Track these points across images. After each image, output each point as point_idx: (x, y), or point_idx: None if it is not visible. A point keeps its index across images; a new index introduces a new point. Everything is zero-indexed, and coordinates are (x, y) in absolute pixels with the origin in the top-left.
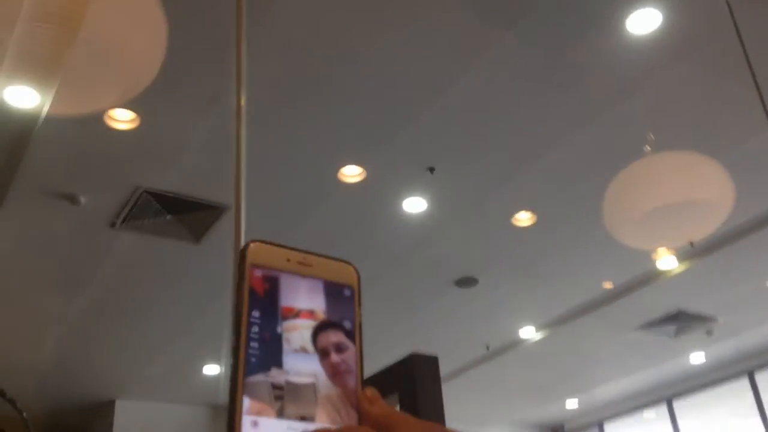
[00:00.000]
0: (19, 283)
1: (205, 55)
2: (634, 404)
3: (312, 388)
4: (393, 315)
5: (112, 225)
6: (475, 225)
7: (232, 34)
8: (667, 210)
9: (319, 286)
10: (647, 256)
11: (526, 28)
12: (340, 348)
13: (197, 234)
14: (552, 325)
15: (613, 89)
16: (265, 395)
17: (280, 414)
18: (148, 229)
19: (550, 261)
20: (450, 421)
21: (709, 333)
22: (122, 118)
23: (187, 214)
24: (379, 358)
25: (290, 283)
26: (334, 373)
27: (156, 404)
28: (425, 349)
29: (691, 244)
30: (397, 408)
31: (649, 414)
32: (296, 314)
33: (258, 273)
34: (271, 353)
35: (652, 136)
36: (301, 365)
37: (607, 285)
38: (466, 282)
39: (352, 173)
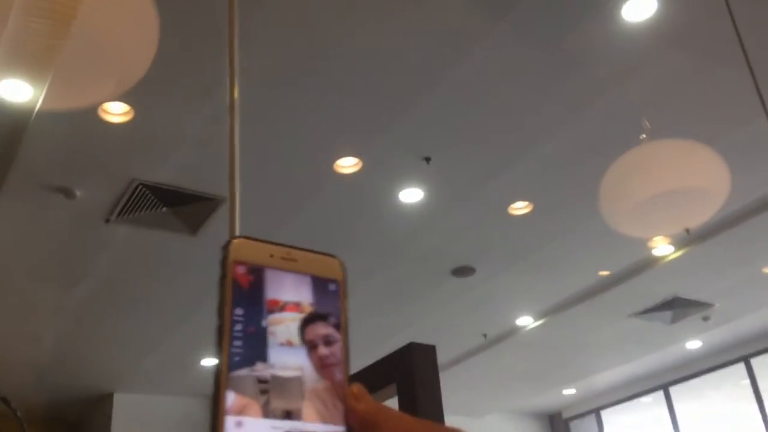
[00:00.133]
0: (15, 277)
1: (199, 47)
2: (631, 391)
3: (298, 381)
4: (390, 305)
5: (108, 218)
6: (471, 214)
7: (225, 26)
8: (663, 198)
9: (305, 281)
10: (643, 244)
11: (520, 17)
12: (327, 340)
13: (193, 226)
14: (549, 313)
15: (609, 77)
16: (250, 390)
17: (266, 408)
18: (143, 221)
19: (546, 249)
20: (448, 410)
21: (705, 319)
22: (116, 111)
23: (182, 207)
24: (377, 348)
25: (275, 278)
26: (322, 365)
27: (154, 397)
28: (423, 338)
29: (687, 231)
30: (396, 398)
31: (646, 400)
32: (282, 307)
33: (241, 269)
34: (256, 347)
35: (648, 123)
36: (287, 358)
37: (604, 273)
38: (463, 271)
39: (348, 164)
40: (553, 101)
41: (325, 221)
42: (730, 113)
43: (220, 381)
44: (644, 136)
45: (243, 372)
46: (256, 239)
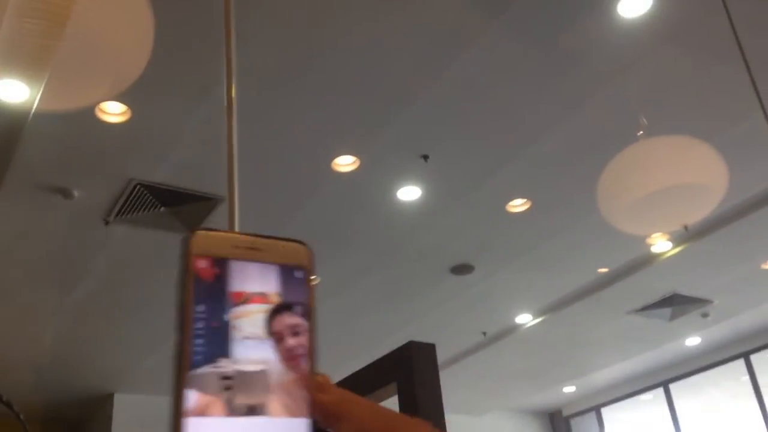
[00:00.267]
0: (14, 277)
1: (196, 46)
2: (631, 388)
3: (264, 375)
4: (389, 303)
5: (106, 218)
6: (469, 212)
7: (221, 25)
8: (661, 194)
9: (270, 270)
10: (642, 240)
11: (516, 14)
12: (295, 331)
13: (192, 226)
14: (548, 310)
15: (606, 74)
16: (212, 388)
17: (229, 405)
18: (142, 221)
19: (545, 247)
20: (447, 409)
21: (704, 316)
22: (113, 111)
23: (181, 206)
24: (376, 346)
25: (238, 269)
26: (289, 357)
27: (155, 397)
28: (422, 337)
29: (686, 227)
30: (395, 397)
31: (646, 397)
32: (246, 300)
33: (202, 263)
34: (219, 343)
35: (645, 120)
36: (252, 352)
37: (603, 270)
38: (461, 269)
39: (345, 162)
40: (551, 98)
41: (323, 220)
42: (727, 109)
43: (179, 381)
44: (641, 132)
45: (205, 369)
46: (217, 230)
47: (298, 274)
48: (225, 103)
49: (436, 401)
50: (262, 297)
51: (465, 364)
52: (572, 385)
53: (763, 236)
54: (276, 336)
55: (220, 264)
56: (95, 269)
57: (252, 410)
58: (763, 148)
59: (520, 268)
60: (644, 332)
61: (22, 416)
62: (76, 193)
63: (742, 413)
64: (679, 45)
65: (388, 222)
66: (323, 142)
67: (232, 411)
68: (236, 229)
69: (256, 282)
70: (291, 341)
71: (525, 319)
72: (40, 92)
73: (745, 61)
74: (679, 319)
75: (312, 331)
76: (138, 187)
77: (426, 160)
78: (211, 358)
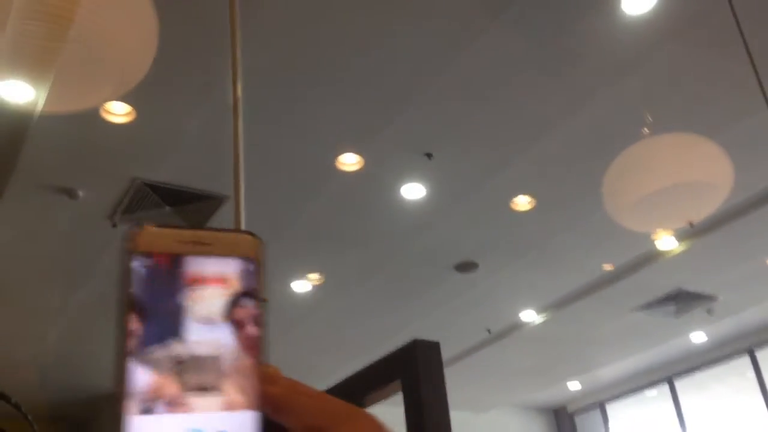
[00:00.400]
0: (20, 277)
1: (200, 46)
2: (635, 384)
3: (216, 360)
4: (394, 301)
5: (113, 220)
6: (474, 210)
7: (225, 25)
8: (667, 192)
9: (218, 264)
10: (647, 237)
11: (520, 11)
12: (244, 321)
13: (196, 225)
14: (553, 307)
15: (609, 71)
16: (163, 369)
17: (181, 387)
18: (146, 221)
19: (549, 244)
20: (452, 406)
21: (709, 312)
22: (118, 112)
23: (185, 206)
24: (380, 345)
25: (185, 264)
26: (241, 346)
27: None
28: (426, 335)
29: (691, 224)
30: (400, 395)
31: (651, 393)
32: (201, 283)
33: (144, 261)
34: (172, 326)
35: (650, 118)
36: (205, 336)
37: (607, 267)
38: (466, 267)
39: (349, 161)
40: (555, 96)
41: (327, 218)
42: (733, 106)
43: (120, 371)
44: (646, 129)
45: (156, 351)
46: (161, 226)
47: (249, 266)
48: (229, 103)
49: (441, 399)
50: (219, 280)
51: (470, 361)
52: (577, 381)
53: None
54: (231, 323)
55: (163, 262)
56: (100, 268)
57: (202, 392)
58: None
59: (525, 266)
60: (649, 329)
61: (30, 417)
62: (81, 193)
63: (747, 409)
64: (683, 42)
65: (393, 220)
66: (327, 141)
67: (182, 393)
68: (242, 227)
69: (203, 276)
70: (243, 331)
71: (530, 316)
72: (46, 93)
73: (751, 59)
74: (683, 316)
75: (262, 323)
76: (142, 186)
77: (430, 158)
78: (163, 340)
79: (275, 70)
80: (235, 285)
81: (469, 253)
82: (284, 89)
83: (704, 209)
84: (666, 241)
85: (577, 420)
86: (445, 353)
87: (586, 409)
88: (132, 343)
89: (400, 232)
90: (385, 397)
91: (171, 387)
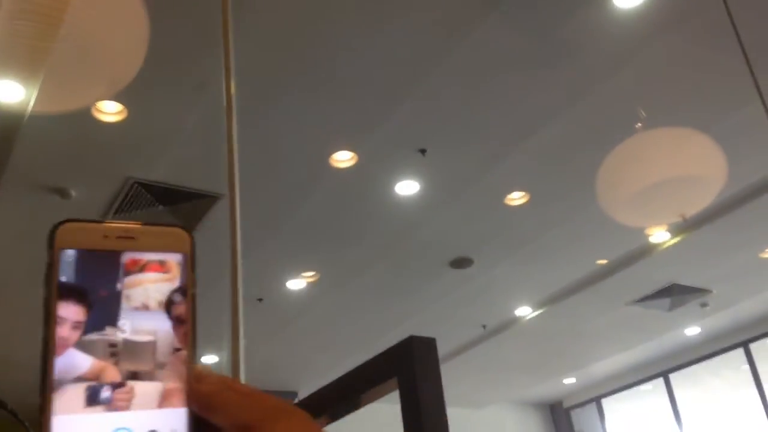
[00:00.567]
0: (14, 278)
1: (192, 44)
2: (631, 379)
3: (150, 346)
4: (389, 298)
5: (104, 218)
6: (468, 205)
7: (218, 22)
8: (660, 186)
9: (147, 257)
10: (640, 231)
11: (513, 5)
12: (173, 316)
13: (190, 223)
14: (548, 302)
15: (602, 64)
16: (99, 353)
17: (115, 375)
18: (140, 220)
19: (544, 239)
20: (448, 402)
21: (703, 305)
22: (110, 111)
23: (179, 204)
24: (375, 341)
25: (112, 260)
26: (173, 341)
27: None
28: (422, 331)
29: (684, 218)
30: (396, 392)
31: (646, 387)
32: (140, 269)
33: (69, 257)
34: (108, 312)
35: (643, 113)
36: (141, 323)
37: (601, 261)
38: (461, 263)
39: (343, 158)
40: (548, 90)
41: (322, 215)
42: (725, 97)
43: (45, 369)
44: (639, 124)
45: (91, 336)
46: (85, 220)
47: (180, 260)
48: (222, 101)
49: (438, 397)
50: (150, 274)
51: (465, 357)
52: (572, 376)
53: (762, 225)
54: (160, 316)
55: (89, 258)
56: None
57: (135, 377)
58: (761, 137)
59: (519, 261)
60: (643, 323)
61: (27, 423)
62: (73, 193)
63: (742, 402)
64: (676, 35)
65: (387, 217)
66: (320, 138)
67: (112, 383)
68: (237, 225)
69: (136, 273)
70: (173, 326)
71: (524, 311)
72: (36, 93)
73: (743, 51)
74: (678, 309)
75: (192, 318)
76: (135, 185)
77: (423, 154)
78: (99, 326)
79: (268, 67)
80: (165, 279)
81: (463, 249)
82: (276, 86)
83: (698, 203)
84: (659, 235)
85: (573, 415)
86: (440, 349)
87: (581, 404)
88: (58, 333)
89: (395, 228)
90: (382, 394)
91: (104, 375)
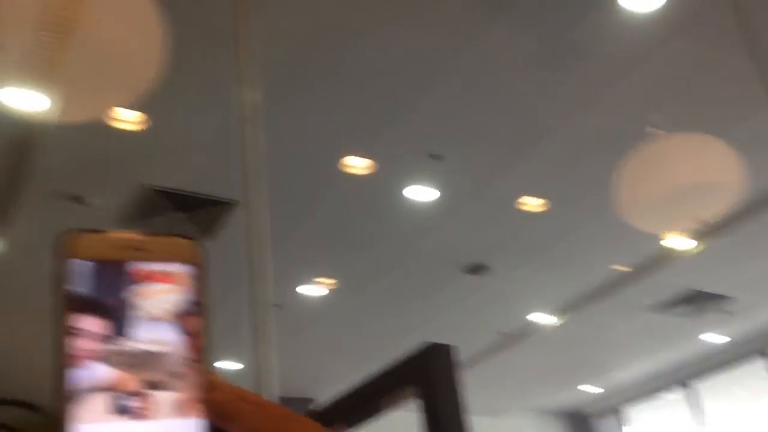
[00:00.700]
0: (33, 286)
1: (208, 52)
2: (653, 387)
3: (163, 357)
4: (405, 304)
5: (122, 225)
6: (483, 211)
7: (232, 31)
8: (679, 192)
9: (159, 268)
10: (660, 237)
11: (526, 10)
12: (184, 327)
13: (208, 230)
14: (566, 309)
15: (615, 68)
16: (117, 364)
17: (131, 385)
18: (158, 227)
19: (561, 245)
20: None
21: (726, 312)
22: (128, 119)
23: (196, 211)
24: (391, 348)
25: (124, 268)
26: (186, 351)
27: None
28: (437, 338)
29: (705, 224)
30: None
31: (668, 396)
32: (146, 279)
33: (81, 266)
34: (117, 322)
35: (657, 117)
36: (152, 333)
37: (620, 268)
38: (477, 269)
39: (359, 164)
40: (560, 95)
41: (336, 222)
42: (738, 102)
43: (59, 380)
44: (653, 129)
45: (98, 351)
46: (95, 231)
47: (191, 271)
48: (238, 109)
49: (460, 406)
50: (161, 284)
51: (484, 365)
52: (593, 384)
53: None
54: (173, 326)
55: (100, 268)
56: None
57: (150, 390)
58: None
59: (536, 268)
60: (666, 330)
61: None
62: (92, 201)
63: (764, 409)
64: (688, 39)
65: (402, 223)
66: (336, 144)
67: (128, 393)
68: (254, 230)
69: (148, 277)
70: (185, 336)
71: (542, 318)
72: (57, 102)
73: (755, 55)
74: (700, 316)
75: (205, 329)
76: (153, 192)
77: (439, 160)
78: (115, 336)
79: (283, 74)
80: (176, 290)
81: (479, 255)
82: (292, 93)
83: (716, 209)
84: (680, 241)
85: (595, 424)
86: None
87: (603, 413)
88: (76, 344)
89: (410, 234)
90: (400, 402)
91: (122, 385)
